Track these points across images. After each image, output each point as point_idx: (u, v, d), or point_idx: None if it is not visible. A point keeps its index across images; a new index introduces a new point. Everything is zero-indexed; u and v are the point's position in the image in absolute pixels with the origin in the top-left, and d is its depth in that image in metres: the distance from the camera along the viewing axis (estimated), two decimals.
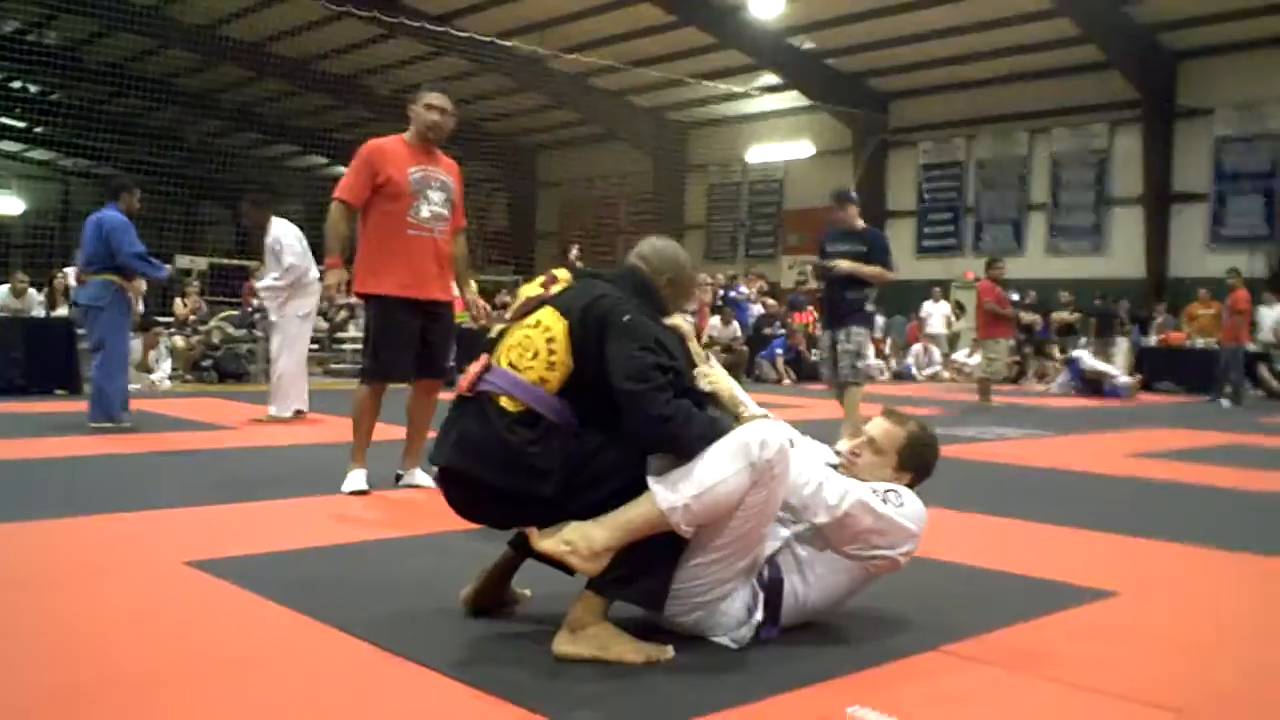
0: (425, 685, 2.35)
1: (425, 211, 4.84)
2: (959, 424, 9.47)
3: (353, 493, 4.77)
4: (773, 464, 2.48)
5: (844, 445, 3.11)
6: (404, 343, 4.86)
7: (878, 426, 2.89)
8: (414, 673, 2.42)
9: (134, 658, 2.50)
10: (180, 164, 23.52)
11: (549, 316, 2.67)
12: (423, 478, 4.97)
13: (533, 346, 2.65)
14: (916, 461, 2.88)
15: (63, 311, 12.75)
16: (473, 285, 5.29)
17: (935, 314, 18.96)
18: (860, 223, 7.32)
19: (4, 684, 2.31)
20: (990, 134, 21.16)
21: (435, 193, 4.87)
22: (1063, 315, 17.44)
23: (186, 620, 2.83)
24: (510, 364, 2.65)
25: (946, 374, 17.89)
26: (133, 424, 7.19)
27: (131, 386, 10.43)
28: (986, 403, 11.51)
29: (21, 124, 28.52)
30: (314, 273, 8.30)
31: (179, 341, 12.60)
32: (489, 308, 5.36)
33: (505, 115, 25.64)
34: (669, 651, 2.51)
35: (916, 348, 18.62)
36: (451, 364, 5.41)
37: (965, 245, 21.49)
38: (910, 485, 2.84)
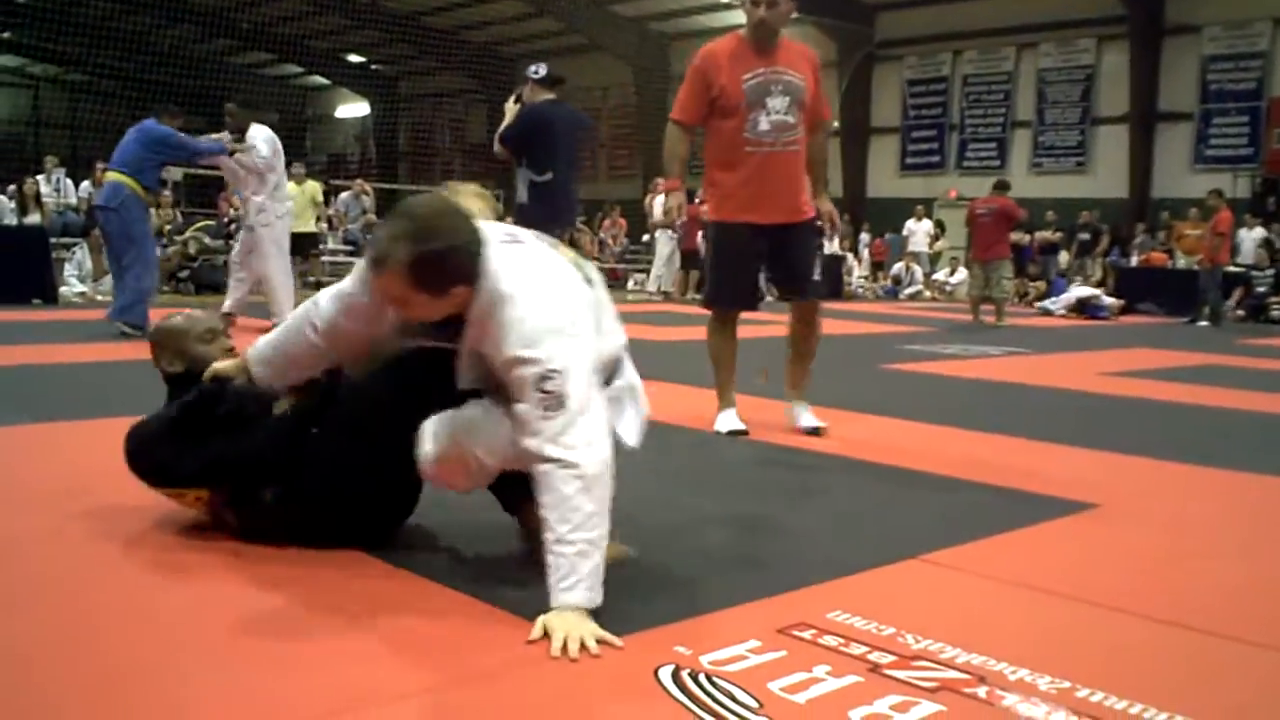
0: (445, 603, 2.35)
1: (764, 124, 4.21)
2: (942, 341, 9.50)
3: (730, 433, 4.36)
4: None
5: None
6: (735, 271, 4.41)
7: None
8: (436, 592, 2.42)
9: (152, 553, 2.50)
10: (151, 70, 22.98)
11: None
12: (808, 418, 4.46)
13: None
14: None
15: (35, 219, 12.55)
16: (827, 196, 4.57)
17: (918, 232, 18.93)
18: None
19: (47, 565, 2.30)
20: (977, 49, 20.91)
21: (777, 99, 4.21)
22: (1045, 234, 17.44)
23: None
24: None
25: (928, 293, 17.92)
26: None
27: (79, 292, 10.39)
28: (1002, 322, 11.60)
29: None
30: (284, 179, 8.45)
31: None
32: (836, 220, 4.62)
33: (485, 24, 25.16)
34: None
35: (898, 266, 18.61)
36: (817, 279, 4.56)
37: (949, 163, 21.37)
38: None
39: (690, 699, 1.82)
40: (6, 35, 27.46)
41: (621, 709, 1.79)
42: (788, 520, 3.10)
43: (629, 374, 2.54)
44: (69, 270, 11.04)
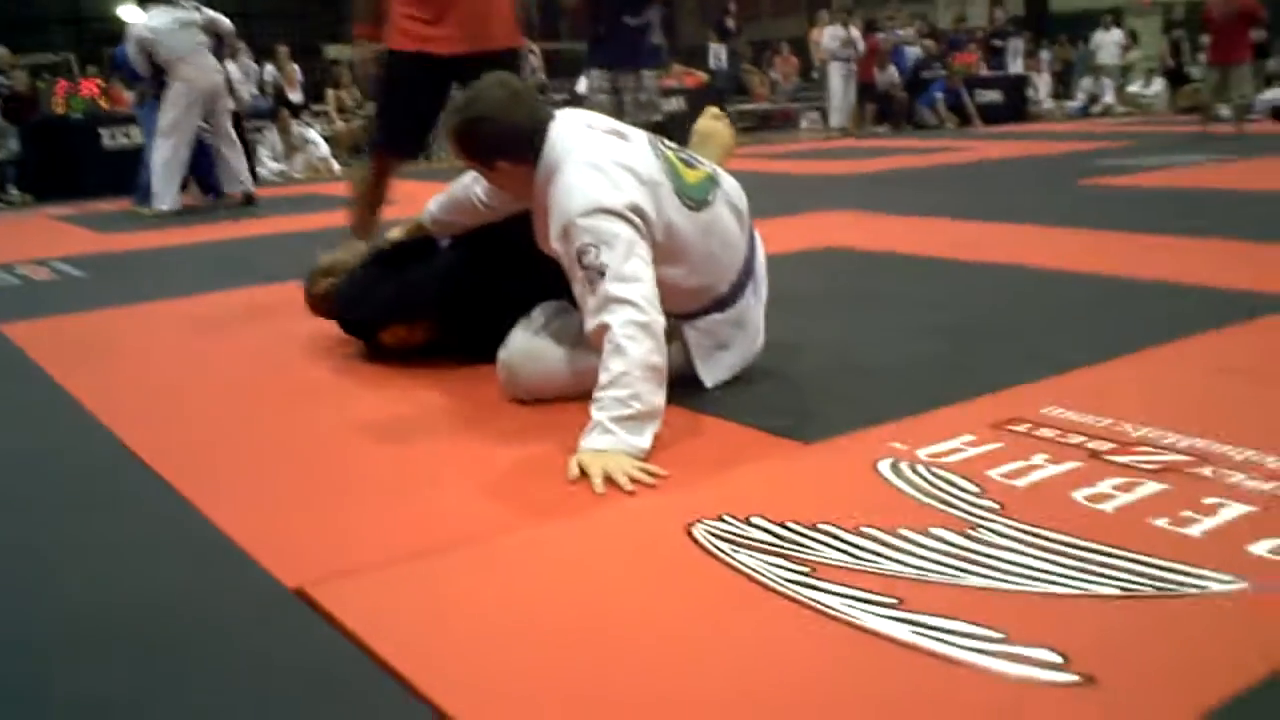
0: None
1: None
2: (1142, 154, 8.98)
3: None
4: None
5: None
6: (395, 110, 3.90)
7: None
8: None
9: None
10: None
11: None
12: None
13: None
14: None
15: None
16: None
17: (1107, 44, 17.77)
18: None
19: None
20: None
21: None
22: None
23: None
24: None
25: (1120, 107, 16.95)
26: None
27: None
28: (1246, 131, 10.72)
29: None
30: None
31: (339, 126, 12.83)
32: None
33: None
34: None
35: (1086, 80, 17.59)
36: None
37: None
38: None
39: (912, 487, 1.88)
40: None
41: (846, 499, 1.86)
42: (986, 328, 3.09)
43: (747, 310, 2.53)
44: (263, 151, 11.50)
